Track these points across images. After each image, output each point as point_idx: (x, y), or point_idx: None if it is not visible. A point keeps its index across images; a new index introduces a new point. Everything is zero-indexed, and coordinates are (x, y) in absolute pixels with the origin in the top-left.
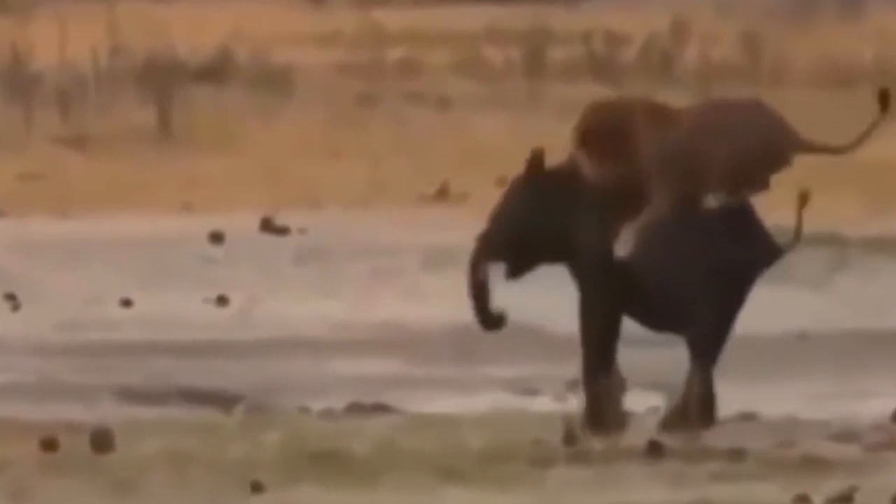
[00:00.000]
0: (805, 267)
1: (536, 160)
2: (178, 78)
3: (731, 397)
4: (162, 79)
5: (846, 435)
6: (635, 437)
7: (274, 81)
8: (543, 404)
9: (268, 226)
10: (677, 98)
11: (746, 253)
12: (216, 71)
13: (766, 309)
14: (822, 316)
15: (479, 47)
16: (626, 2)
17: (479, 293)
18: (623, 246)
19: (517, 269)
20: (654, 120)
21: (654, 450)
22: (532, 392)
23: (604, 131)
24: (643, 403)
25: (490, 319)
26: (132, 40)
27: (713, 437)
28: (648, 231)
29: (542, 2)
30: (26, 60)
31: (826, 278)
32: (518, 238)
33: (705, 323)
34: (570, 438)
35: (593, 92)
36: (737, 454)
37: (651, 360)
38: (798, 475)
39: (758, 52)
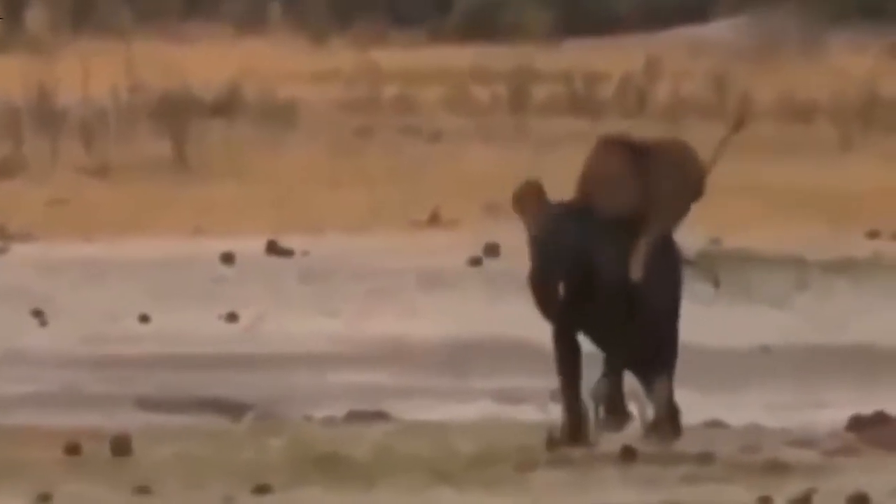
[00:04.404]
0: (769, 286)
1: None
2: (192, 112)
3: (699, 406)
4: (176, 113)
5: (805, 441)
6: (611, 443)
7: (279, 115)
8: (527, 413)
9: (274, 248)
10: (650, 131)
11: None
12: (226, 106)
13: (732, 325)
14: (784, 331)
15: (468, 85)
16: (603, 43)
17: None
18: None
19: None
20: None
21: (628, 454)
22: (517, 402)
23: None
24: None
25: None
26: (149, 78)
27: (683, 443)
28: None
29: (526, 43)
30: (52, 96)
31: (788, 297)
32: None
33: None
34: (551, 444)
35: (573, 126)
36: (705, 458)
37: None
38: (761, 478)
39: (725, 90)
